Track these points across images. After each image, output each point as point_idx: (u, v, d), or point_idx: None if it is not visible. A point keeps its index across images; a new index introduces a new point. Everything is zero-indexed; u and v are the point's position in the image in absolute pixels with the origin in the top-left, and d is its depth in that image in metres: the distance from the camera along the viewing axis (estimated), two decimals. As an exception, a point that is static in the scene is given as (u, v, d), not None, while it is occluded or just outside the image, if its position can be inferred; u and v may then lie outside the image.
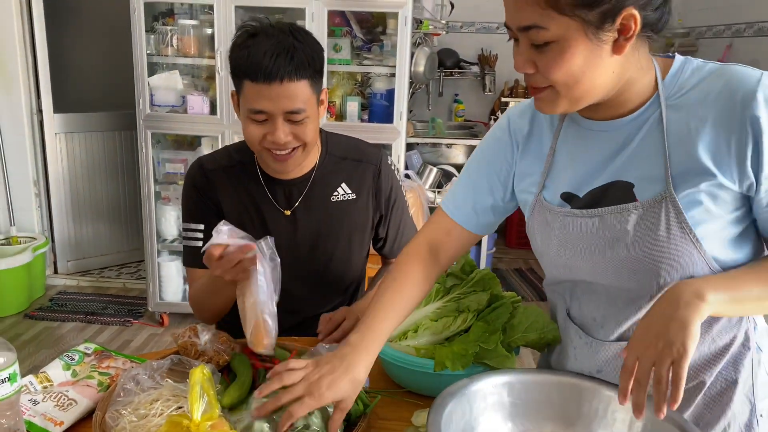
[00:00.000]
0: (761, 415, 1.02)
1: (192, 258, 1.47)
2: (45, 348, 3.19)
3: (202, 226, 1.47)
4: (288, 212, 1.48)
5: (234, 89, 1.40)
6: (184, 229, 1.50)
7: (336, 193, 1.49)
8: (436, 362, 1.13)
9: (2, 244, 3.72)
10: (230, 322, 1.62)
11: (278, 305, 1.43)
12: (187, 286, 1.55)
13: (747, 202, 0.91)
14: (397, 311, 1.08)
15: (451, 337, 1.22)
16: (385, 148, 3.22)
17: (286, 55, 1.26)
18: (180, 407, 1.04)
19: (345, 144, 1.55)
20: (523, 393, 1.03)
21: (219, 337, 1.23)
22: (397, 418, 1.15)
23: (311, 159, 1.49)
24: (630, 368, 0.85)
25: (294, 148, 1.36)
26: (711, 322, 0.97)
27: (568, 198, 1.01)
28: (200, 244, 1.46)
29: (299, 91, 1.29)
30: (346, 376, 0.97)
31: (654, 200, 0.91)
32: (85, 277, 4.10)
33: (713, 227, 0.90)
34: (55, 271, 4.10)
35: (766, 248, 1.00)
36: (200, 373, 0.97)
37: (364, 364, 1.00)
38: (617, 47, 0.84)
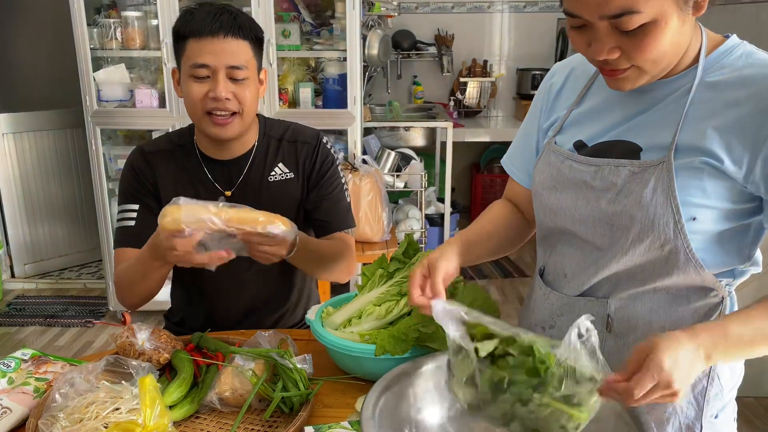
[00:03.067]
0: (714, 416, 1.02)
1: (124, 238, 1.46)
2: (2, 355, 3.12)
3: (136, 206, 1.47)
4: (228, 192, 1.48)
5: (174, 66, 1.43)
6: (119, 212, 1.49)
7: (273, 173, 1.50)
8: (378, 347, 1.12)
9: (-46, 251, 3.62)
10: (182, 315, 1.60)
11: (226, 292, 1.53)
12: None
13: (744, 199, 0.89)
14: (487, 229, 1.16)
15: (395, 321, 1.21)
16: (341, 134, 3.20)
17: (228, 16, 1.35)
18: (116, 409, 1.02)
19: (282, 127, 1.56)
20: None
21: (158, 336, 1.21)
22: (342, 405, 1.14)
23: (249, 139, 1.50)
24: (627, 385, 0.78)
25: (233, 114, 1.38)
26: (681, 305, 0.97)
27: (579, 146, 1.02)
28: (132, 223, 1.46)
29: (241, 49, 1.36)
30: None
31: (652, 162, 0.91)
32: (44, 280, 4.01)
33: (704, 212, 0.89)
34: (12, 275, 3.99)
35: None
36: (150, 382, 0.96)
37: None
38: (697, 8, 0.85)
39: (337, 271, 1.50)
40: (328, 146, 1.55)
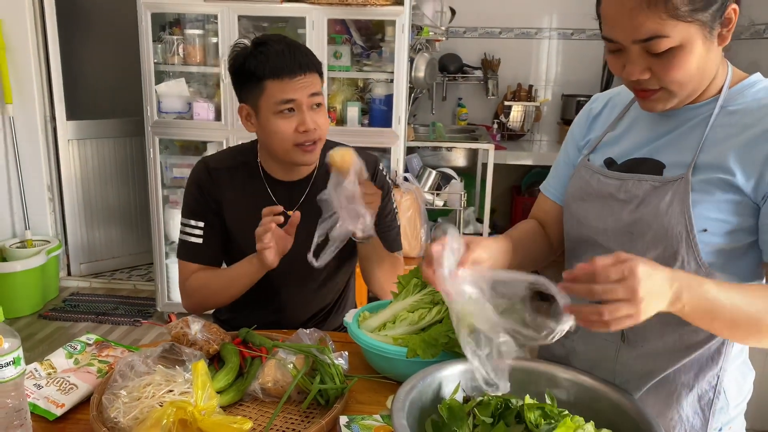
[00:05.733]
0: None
1: (187, 251, 1.57)
2: (58, 347, 3.29)
3: (201, 224, 1.56)
4: (290, 212, 1.56)
5: (241, 104, 1.50)
6: (183, 224, 1.58)
7: None
8: (409, 350, 1.21)
9: (17, 247, 3.84)
10: (230, 314, 1.72)
11: (294, 303, 1.63)
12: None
13: (752, 215, 0.96)
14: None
15: (426, 328, 1.30)
16: (385, 152, 3.31)
17: (299, 52, 1.45)
18: (170, 390, 1.13)
19: None
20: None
21: (209, 329, 1.32)
22: (373, 402, 1.23)
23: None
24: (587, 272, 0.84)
25: (316, 141, 1.48)
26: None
27: (609, 163, 1.11)
28: (199, 241, 1.55)
29: (315, 80, 1.48)
30: None
31: (672, 178, 0.99)
32: (98, 279, 4.22)
33: (714, 224, 0.96)
34: (69, 273, 4.22)
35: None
36: (203, 367, 1.06)
37: None
38: (722, 39, 0.94)
39: (388, 272, 1.59)
40: (384, 173, 1.64)
